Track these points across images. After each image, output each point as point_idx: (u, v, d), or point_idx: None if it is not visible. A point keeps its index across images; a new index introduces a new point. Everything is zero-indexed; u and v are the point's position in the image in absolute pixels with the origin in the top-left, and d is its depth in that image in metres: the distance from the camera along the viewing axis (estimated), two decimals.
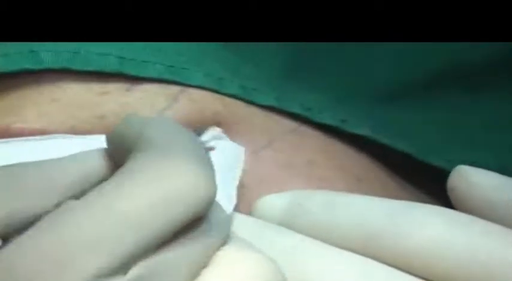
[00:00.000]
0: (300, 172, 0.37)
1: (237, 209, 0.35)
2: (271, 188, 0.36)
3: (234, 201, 0.34)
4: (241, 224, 0.33)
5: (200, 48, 0.39)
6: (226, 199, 0.34)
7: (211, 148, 0.36)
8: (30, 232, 0.27)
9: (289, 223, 0.34)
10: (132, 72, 0.37)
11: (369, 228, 0.31)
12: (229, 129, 0.37)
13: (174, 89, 0.37)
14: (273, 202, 0.35)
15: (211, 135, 0.36)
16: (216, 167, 0.30)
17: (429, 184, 0.40)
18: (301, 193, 0.34)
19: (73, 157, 0.31)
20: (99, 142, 0.34)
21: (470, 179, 0.32)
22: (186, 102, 0.37)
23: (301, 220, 0.33)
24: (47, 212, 0.28)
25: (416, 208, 0.32)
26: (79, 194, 0.29)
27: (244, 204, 0.35)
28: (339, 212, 0.32)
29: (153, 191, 0.27)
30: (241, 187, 0.36)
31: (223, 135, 0.37)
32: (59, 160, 0.31)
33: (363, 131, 0.39)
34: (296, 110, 0.38)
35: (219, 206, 0.30)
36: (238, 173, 0.36)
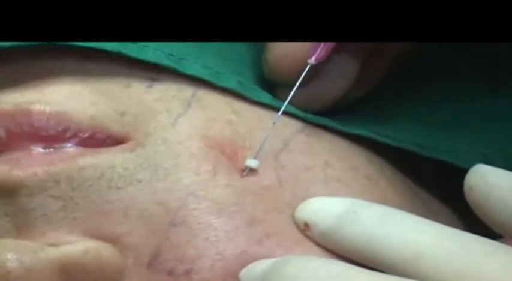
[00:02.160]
0: (318, 174, 0.36)
1: (257, 212, 0.34)
2: (295, 192, 0.35)
3: None
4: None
5: (202, 43, 0.38)
6: None
7: None
8: None
9: (340, 229, 0.33)
10: (133, 54, 0.36)
11: (415, 249, 0.31)
12: (245, 139, 0.36)
13: (187, 92, 0.36)
14: (328, 206, 0.34)
15: None
16: None
17: (432, 181, 0.41)
18: (358, 202, 0.34)
19: None
20: None
21: (490, 179, 0.32)
22: (199, 110, 0.36)
23: (353, 228, 0.33)
24: None
25: (464, 236, 0.32)
26: None
27: (267, 206, 0.35)
28: (392, 227, 0.32)
29: None
30: (264, 190, 0.35)
31: None
32: None
33: (362, 131, 0.38)
34: (293, 111, 0.38)
35: None
36: None
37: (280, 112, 0.37)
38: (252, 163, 0.35)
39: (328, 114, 0.39)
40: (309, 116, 0.38)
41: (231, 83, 0.37)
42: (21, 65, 0.36)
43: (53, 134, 0.34)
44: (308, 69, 0.36)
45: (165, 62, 0.37)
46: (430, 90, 0.43)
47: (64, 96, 0.35)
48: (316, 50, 0.36)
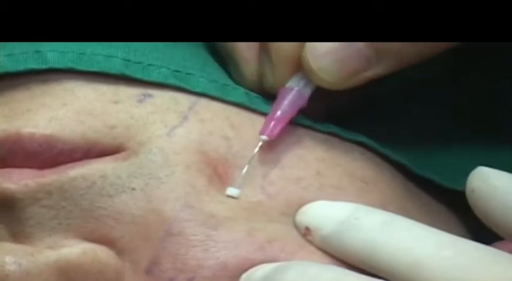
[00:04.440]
0: (311, 184, 0.36)
1: (253, 223, 0.34)
2: (288, 201, 0.35)
3: None
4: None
5: (203, 56, 0.38)
6: None
7: None
8: None
9: (341, 235, 0.33)
10: (137, 75, 0.36)
11: (415, 257, 0.31)
12: (237, 158, 0.36)
13: (183, 105, 0.36)
14: (329, 211, 0.34)
15: None
16: None
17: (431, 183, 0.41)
18: (360, 207, 0.34)
19: None
20: None
21: (492, 181, 0.32)
22: (196, 123, 0.36)
23: (353, 234, 0.33)
24: None
25: (465, 243, 0.32)
26: None
27: (262, 218, 0.35)
28: (393, 235, 0.32)
29: None
30: (255, 204, 0.35)
31: None
32: None
33: (361, 138, 0.39)
34: (297, 119, 0.38)
35: None
36: None
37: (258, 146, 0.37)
38: (232, 191, 0.36)
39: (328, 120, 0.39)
40: (317, 125, 0.39)
41: (239, 95, 0.38)
42: (6, 91, 0.36)
43: (48, 157, 0.34)
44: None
45: (171, 81, 0.36)
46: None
47: (49, 120, 0.35)
48: (268, 126, 0.36)
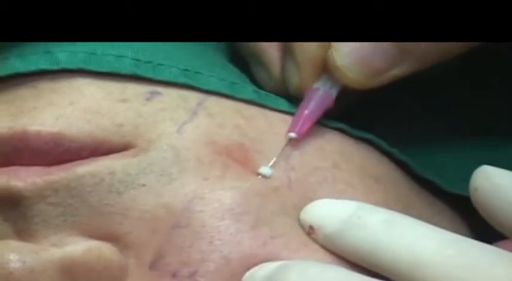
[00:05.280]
0: (326, 176, 0.36)
1: (262, 214, 0.34)
2: (302, 194, 0.35)
3: None
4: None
5: (207, 56, 0.38)
6: None
7: None
8: None
9: (344, 234, 0.33)
10: (148, 74, 0.36)
11: (418, 256, 0.31)
12: (255, 142, 0.36)
13: (192, 101, 0.36)
14: (332, 209, 0.34)
15: None
16: None
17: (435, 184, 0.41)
18: (363, 206, 0.34)
19: None
20: None
21: (494, 180, 0.32)
22: (205, 117, 0.36)
23: (356, 233, 0.33)
24: None
25: (468, 243, 0.32)
26: None
27: (273, 208, 0.35)
28: (396, 233, 0.32)
29: None
30: (272, 191, 0.35)
31: None
32: None
33: (368, 136, 0.39)
34: None
35: None
36: None
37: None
38: (265, 170, 0.36)
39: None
40: (323, 121, 0.39)
41: (248, 93, 0.38)
42: (13, 89, 0.36)
43: (54, 155, 0.34)
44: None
45: (181, 79, 0.36)
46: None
47: (56, 118, 0.35)
48: (297, 124, 0.37)
